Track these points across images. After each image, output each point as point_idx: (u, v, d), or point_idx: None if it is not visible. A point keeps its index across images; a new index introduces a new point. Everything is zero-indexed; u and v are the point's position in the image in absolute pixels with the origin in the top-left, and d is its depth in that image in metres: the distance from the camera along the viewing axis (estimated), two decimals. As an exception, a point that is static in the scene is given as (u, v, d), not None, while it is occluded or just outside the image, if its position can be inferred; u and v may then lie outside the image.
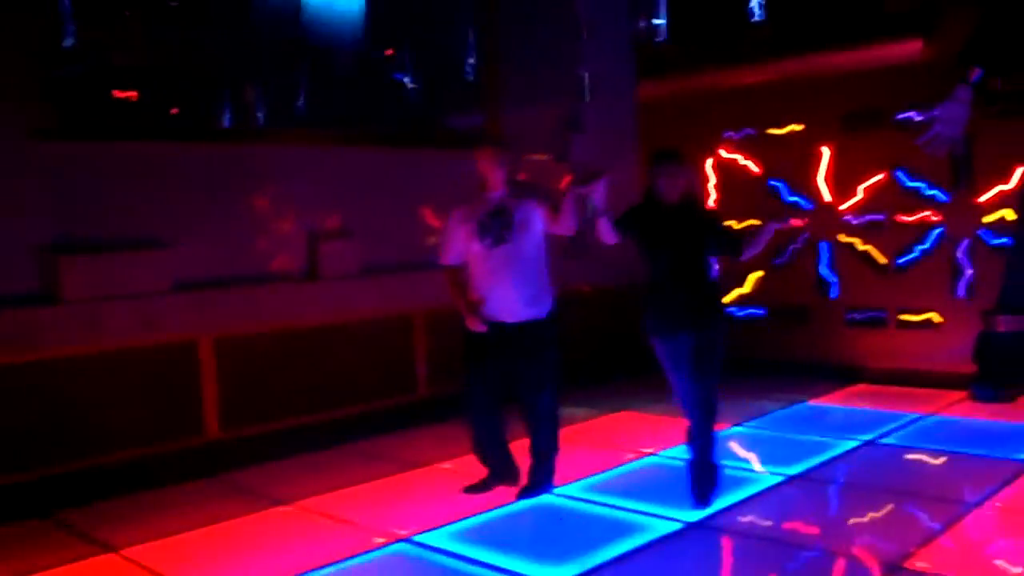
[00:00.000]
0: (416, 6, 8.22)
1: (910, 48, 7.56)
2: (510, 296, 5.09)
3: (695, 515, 4.82)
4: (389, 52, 8.29)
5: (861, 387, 7.89)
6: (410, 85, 8.21)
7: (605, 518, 4.92)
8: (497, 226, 5.12)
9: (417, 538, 4.72)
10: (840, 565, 4.24)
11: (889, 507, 4.90)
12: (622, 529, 4.72)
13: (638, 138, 9.04)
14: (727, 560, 4.47)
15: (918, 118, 7.65)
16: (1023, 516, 4.72)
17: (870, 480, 5.37)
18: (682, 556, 4.38)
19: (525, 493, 5.23)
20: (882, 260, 8.04)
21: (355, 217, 7.04)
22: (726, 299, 8.68)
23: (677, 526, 4.70)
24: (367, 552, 4.57)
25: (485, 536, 4.72)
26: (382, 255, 7.11)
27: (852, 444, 6.05)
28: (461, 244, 5.22)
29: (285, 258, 6.79)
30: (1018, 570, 4.07)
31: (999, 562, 4.18)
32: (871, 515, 4.83)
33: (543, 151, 8.26)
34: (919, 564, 4.09)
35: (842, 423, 6.68)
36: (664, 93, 9.04)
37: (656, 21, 9.10)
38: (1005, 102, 7.14)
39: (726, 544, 4.56)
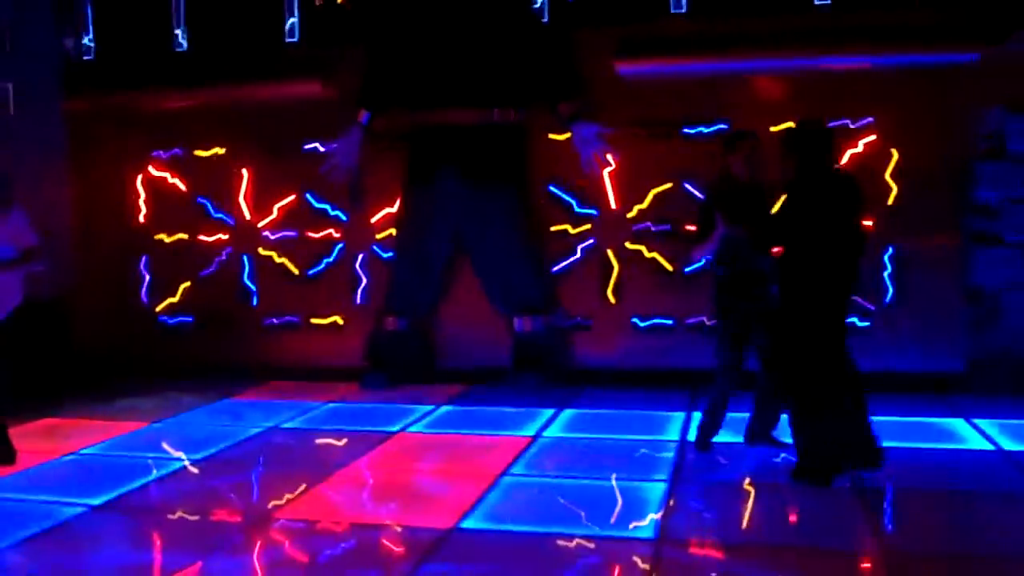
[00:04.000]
0: None
1: (311, 88, 9.46)
2: None
3: (100, 499, 6.01)
4: None
5: (278, 384, 9.58)
6: None
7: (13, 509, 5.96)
8: None
9: None
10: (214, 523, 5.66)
11: (274, 472, 6.46)
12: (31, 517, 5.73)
13: (68, 152, 9.86)
14: (132, 536, 5.70)
15: (322, 149, 9.57)
16: (376, 471, 6.58)
17: (272, 456, 6.95)
18: (89, 536, 5.51)
19: None
20: (295, 271, 9.87)
21: None
22: (159, 308, 9.85)
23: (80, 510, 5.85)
24: None
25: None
26: None
27: (258, 430, 7.64)
28: None
29: None
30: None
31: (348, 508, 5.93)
32: (255, 477, 6.37)
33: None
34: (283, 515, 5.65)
35: (256, 414, 8.32)
36: (94, 110, 10.06)
37: (85, 40, 9.95)
38: (387, 140, 9.30)
39: (131, 522, 5.75)
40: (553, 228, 9.11)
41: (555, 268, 9.12)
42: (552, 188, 9.14)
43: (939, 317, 8.54)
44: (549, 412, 8.05)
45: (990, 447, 6.76)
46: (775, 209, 6.07)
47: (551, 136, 9.07)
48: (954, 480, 5.99)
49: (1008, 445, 6.77)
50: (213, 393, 9.02)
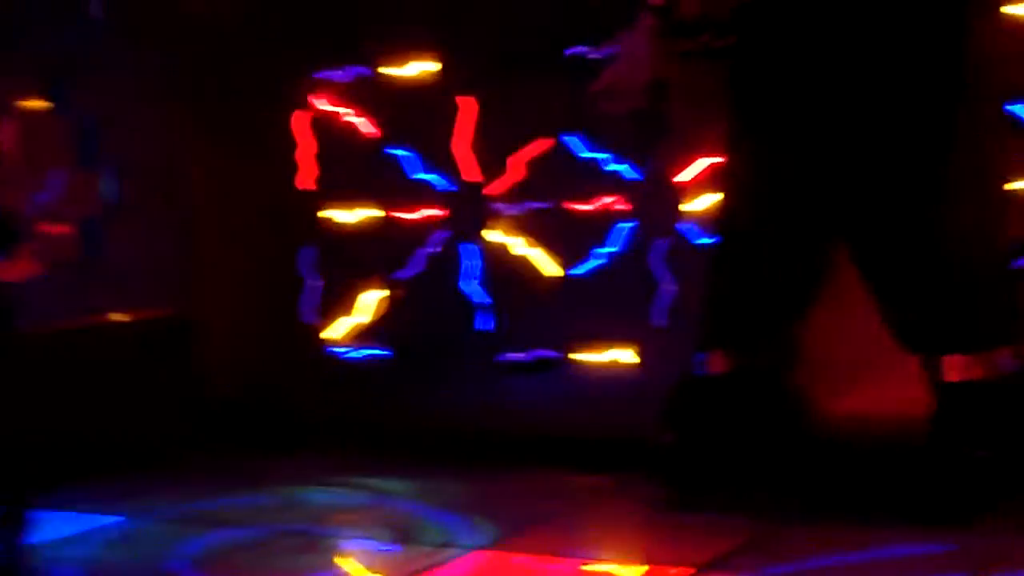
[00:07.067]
0: None
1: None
2: None
3: None
4: None
5: (529, 478, 7.97)
6: None
7: None
8: None
9: None
10: None
11: None
12: None
13: (185, 83, 9.05)
14: None
15: (593, 55, 8.02)
16: None
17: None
18: None
19: None
20: (552, 270, 8.26)
21: None
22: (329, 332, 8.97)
23: None
24: None
25: None
26: None
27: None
28: None
29: None
30: None
31: None
32: None
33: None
34: None
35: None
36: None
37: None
38: (705, 39, 7.51)
39: None
40: (1013, 185, 7.17)
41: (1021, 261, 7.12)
42: (1015, 108, 7.13)
43: None
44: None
45: None
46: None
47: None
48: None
49: None
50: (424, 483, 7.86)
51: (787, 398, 7.57)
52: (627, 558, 6.45)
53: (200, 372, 9.16)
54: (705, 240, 7.88)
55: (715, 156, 7.79)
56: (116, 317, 8.68)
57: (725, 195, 7.62)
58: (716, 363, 7.49)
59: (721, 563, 6.08)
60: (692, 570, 5.90)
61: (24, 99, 8.16)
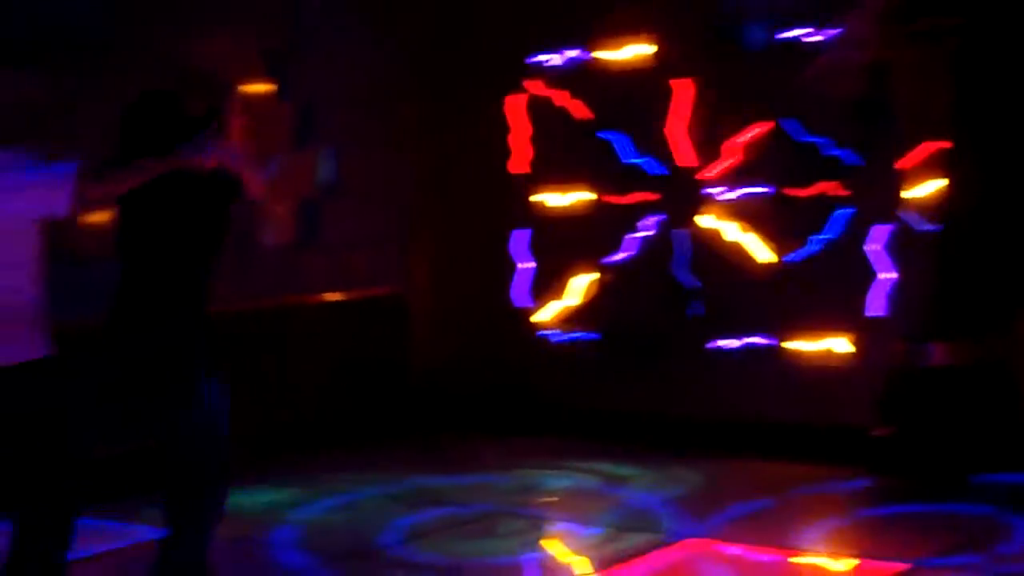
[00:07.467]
0: None
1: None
2: None
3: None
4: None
5: (736, 463, 7.74)
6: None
7: None
8: None
9: None
10: None
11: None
12: None
13: (402, 67, 9.09)
14: None
15: (813, 37, 7.78)
16: None
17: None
18: None
19: None
20: (766, 257, 8.06)
21: None
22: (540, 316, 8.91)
23: None
24: None
25: None
26: None
27: None
28: None
29: None
30: None
31: None
32: None
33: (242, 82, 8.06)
34: None
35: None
36: None
37: None
38: (933, 15, 7.31)
39: None
40: None
41: None
42: None
43: None
44: None
45: None
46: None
47: None
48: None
49: None
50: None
51: (1014, 391, 7.16)
52: (839, 551, 6.15)
53: (413, 351, 9.14)
54: (928, 228, 7.58)
55: (940, 141, 7.49)
56: (332, 296, 8.72)
57: (951, 181, 7.32)
58: (939, 354, 7.24)
59: (939, 559, 5.78)
60: (908, 565, 5.63)
61: (250, 83, 8.06)
